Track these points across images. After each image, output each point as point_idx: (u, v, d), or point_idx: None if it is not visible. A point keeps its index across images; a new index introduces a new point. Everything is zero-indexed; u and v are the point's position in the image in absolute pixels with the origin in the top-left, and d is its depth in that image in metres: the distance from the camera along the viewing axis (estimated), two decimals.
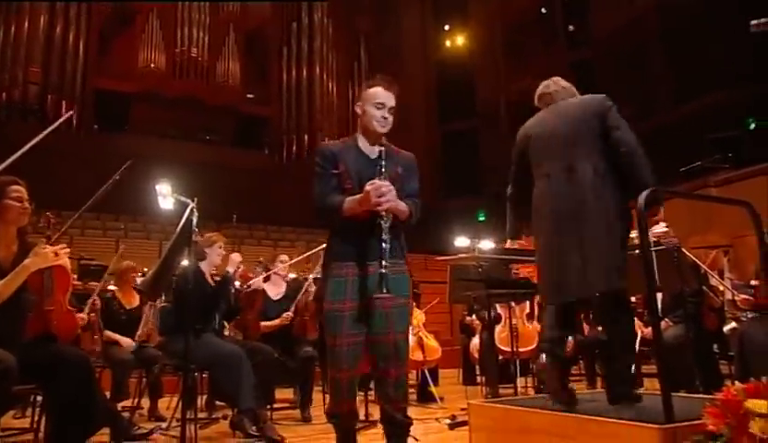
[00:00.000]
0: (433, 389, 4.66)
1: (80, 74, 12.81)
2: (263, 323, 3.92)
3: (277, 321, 3.90)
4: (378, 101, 2.18)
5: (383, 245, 1.96)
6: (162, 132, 13.57)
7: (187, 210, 2.32)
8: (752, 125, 8.68)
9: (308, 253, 4.35)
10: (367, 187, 1.99)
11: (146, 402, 4.13)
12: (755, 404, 1.58)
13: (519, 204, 2.68)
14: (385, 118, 2.18)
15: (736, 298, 3.31)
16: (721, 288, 4.27)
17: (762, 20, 1.95)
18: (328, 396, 2.19)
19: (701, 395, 2.85)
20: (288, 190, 13.86)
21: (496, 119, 14.57)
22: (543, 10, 13.68)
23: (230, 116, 14.86)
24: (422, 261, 9.63)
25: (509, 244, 2.83)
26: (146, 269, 4.11)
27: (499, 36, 14.71)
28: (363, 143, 2.22)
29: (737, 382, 1.74)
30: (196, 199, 2.37)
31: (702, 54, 9.55)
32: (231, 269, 3.56)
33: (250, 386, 3.06)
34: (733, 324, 3.67)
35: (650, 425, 1.82)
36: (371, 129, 2.19)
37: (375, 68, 15.83)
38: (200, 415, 3.55)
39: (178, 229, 2.31)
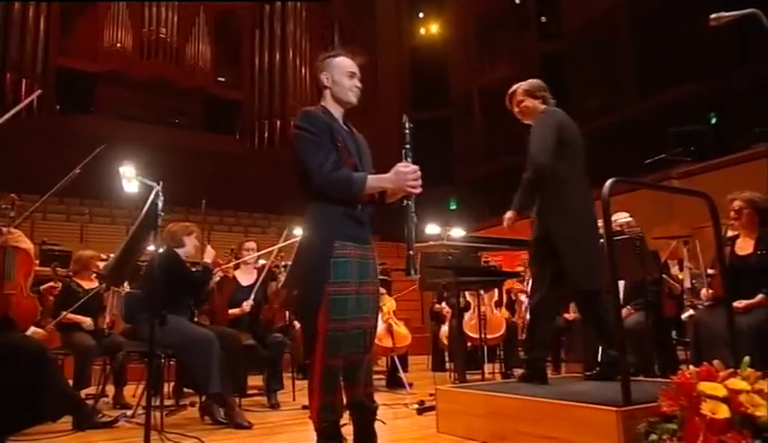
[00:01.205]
0: (402, 375, 4.71)
1: (41, 52, 12.26)
2: (233, 311, 3.88)
3: (237, 310, 3.86)
4: (351, 70, 2.14)
5: (413, 227, 1.95)
6: (129, 114, 13.17)
7: (152, 194, 2.26)
8: (713, 120, 8.97)
9: (281, 244, 4.29)
10: (404, 169, 1.96)
11: (111, 390, 4.06)
12: (706, 387, 1.65)
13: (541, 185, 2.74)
14: (358, 87, 2.15)
15: (702, 290, 3.40)
16: (680, 276, 4.42)
17: (722, 15, 2.01)
18: (317, 391, 1.95)
19: (658, 379, 2.96)
20: (259, 176, 13.68)
21: (469, 108, 14.65)
22: (516, 0, 13.74)
23: (200, 99, 14.53)
24: (393, 249, 9.66)
25: (510, 215, 2.84)
26: (111, 255, 4.01)
27: (473, 25, 14.73)
28: (337, 115, 2.14)
29: (691, 367, 1.80)
30: (161, 183, 2.31)
31: (668, 49, 9.77)
32: (209, 260, 3.51)
33: (219, 370, 3.03)
34: (691, 311, 3.80)
35: (609, 408, 1.89)
36: (345, 100, 2.14)
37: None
38: (167, 403, 3.51)
39: (143, 213, 2.25)
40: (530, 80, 2.98)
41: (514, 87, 2.99)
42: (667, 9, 9.84)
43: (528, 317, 3.13)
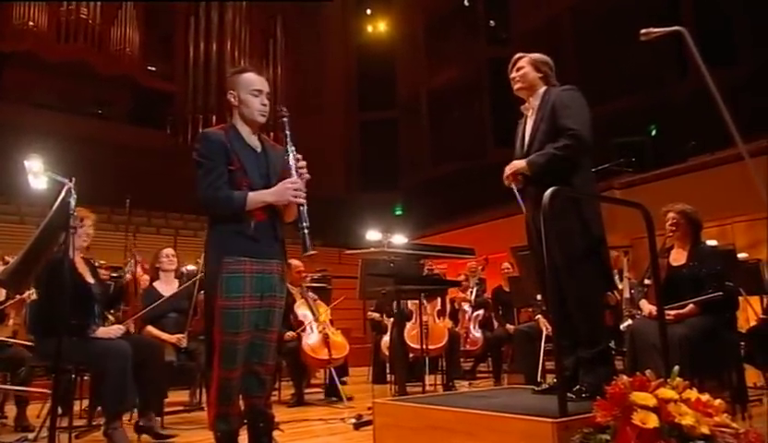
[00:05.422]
0: (340, 387, 4.67)
1: None
2: (152, 329, 3.71)
3: (173, 338, 3.72)
4: (256, 87, 2.22)
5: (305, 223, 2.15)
6: (41, 101, 12.42)
7: (63, 191, 2.14)
8: (653, 132, 9.53)
9: None
10: (286, 184, 2.14)
11: (12, 410, 3.79)
12: (638, 396, 1.74)
13: None
14: (264, 105, 2.24)
15: (643, 302, 3.55)
16: (620, 286, 4.65)
17: (651, 30, 2.15)
18: (213, 402, 2.16)
19: None
20: (192, 174, 13.16)
21: (416, 110, 14.82)
22: (465, 2, 14.06)
23: (126, 89, 13.93)
24: (335, 255, 9.63)
25: (522, 165, 2.52)
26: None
27: (422, 25, 14.94)
28: (245, 134, 2.24)
29: (624, 376, 1.89)
30: (74, 179, 2.20)
31: (611, 59, 10.30)
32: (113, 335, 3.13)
33: (125, 387, 2.88)
34: (629, 321, 3.99)
35: (544, 419, 1.95)
36: (251, 119, 2.23)
37: (291, 48, 15.52)
38: (78, 423, 3.31)
39: (51, 212, 2.13)
40: (539, 54, 2.80)
41: (521, 54, 2.84)
42: (610, 21, 10.38)
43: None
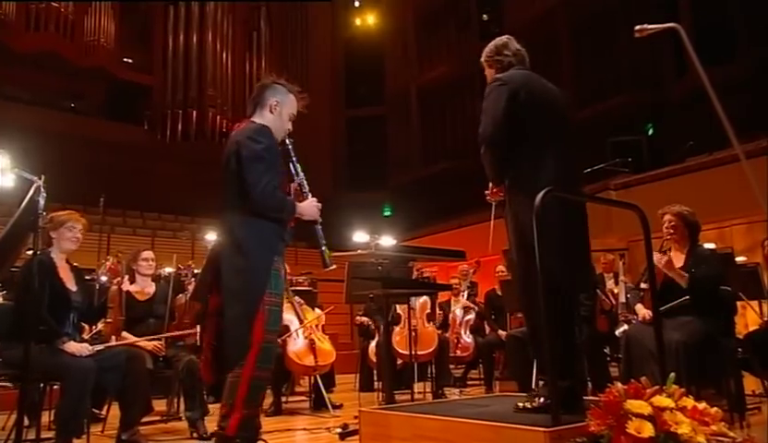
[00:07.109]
0: (326, 396, 4.66)
1: None
2: (127, 335, 3.67)
3: (150, 345, 3.68)
4: (294, 112, 2.46)
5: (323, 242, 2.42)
6: (10, 94, 12.27)
7: (32, 189, 2.12)
8: (651, 131, 9.64)
9: None
10: (316, 204, 2.42)
11: None
12: (633, 405, 1.75)
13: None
14: (289, 129, 2.47)
15: (638, 306, 3.58)
16: (615, 290, 4.70)
17: (646, 26, 2.18)
18: (240, 406, 2.20)
19: (591, 397, 3.11)
20: (172, 172, 13.18)
21: (405, 107, 14.85)
22: None
23: (101, 82, 13.81)
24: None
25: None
26: None
27: (412, 18, 14.97)
28: None
29: (618, 384, 1.91)
30: (43, 176, 2.17)
31: (607, 57, 10.40)
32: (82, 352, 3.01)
33: (79, 411, 2.84)
34: (625, 327, 4.03)
35: (537, 429, 1.96)
36: (276, 134, 2.39)
37: (276, 41, 15.47)
38: (46, 435, 3.26)
39: (19, 211, 2.10)
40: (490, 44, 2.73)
41: None
42: (607, 16, 10.47)
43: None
